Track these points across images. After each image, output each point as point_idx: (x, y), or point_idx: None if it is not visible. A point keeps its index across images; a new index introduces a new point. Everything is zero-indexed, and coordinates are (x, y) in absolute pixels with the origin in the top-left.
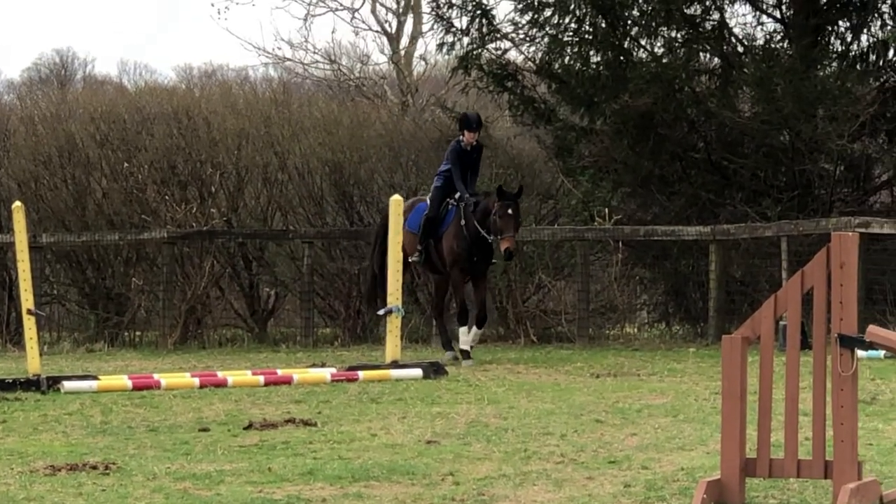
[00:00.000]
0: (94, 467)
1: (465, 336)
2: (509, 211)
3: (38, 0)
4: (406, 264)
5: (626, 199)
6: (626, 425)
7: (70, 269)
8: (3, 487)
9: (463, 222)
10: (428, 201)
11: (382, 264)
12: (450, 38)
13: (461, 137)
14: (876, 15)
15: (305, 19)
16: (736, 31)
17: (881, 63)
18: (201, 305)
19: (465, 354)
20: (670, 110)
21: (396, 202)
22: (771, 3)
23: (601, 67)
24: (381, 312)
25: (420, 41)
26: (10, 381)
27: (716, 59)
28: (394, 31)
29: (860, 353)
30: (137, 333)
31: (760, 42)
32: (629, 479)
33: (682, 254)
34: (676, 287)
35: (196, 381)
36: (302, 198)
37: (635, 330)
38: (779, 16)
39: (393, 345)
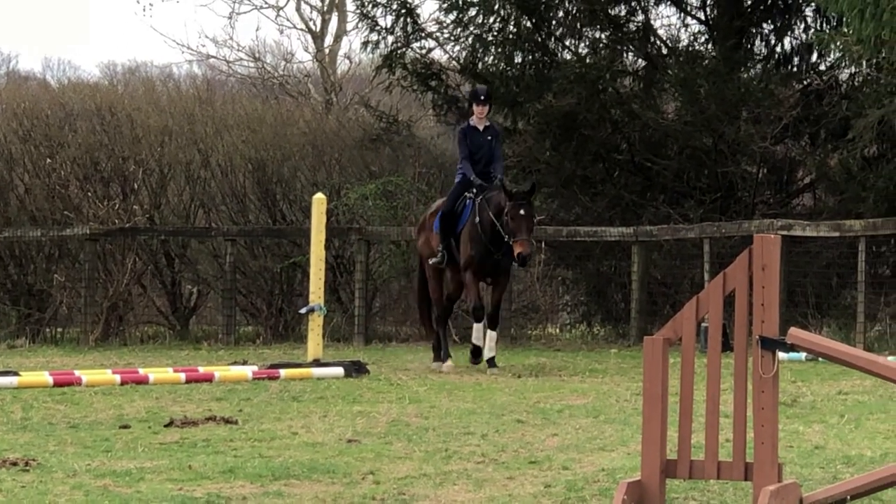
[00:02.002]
0: (14, 464)
1: (478, 332)
2: (521, 211)
3: None
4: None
5: (549, 199)
6: (548, 426)
7: None
8: None
9: (477, 220)
10: None
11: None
12: (374, 37)
13: (471, 118)
14: (799, 18)
15: (230, 17)
16: (660, 32)
17: (804, 66)
18: (123, 302)
19: (477, 351)
20: (594, 111)
21: (319, 200)
22: (695, 4)
23: (525, 67)
24: (302, 311)
25: (344, 39)
26: None
27: (640, 61)
28: (318, 29)
29: (781, 355)
30: (59, 330)
31: (684, 43)
32: (550, 480)
33: (605, 255)
34: (598, 288)
35: (117, 378)
36: (225, 195)
37: (557, 330)
38: (703, 17)
39: (315, 343)
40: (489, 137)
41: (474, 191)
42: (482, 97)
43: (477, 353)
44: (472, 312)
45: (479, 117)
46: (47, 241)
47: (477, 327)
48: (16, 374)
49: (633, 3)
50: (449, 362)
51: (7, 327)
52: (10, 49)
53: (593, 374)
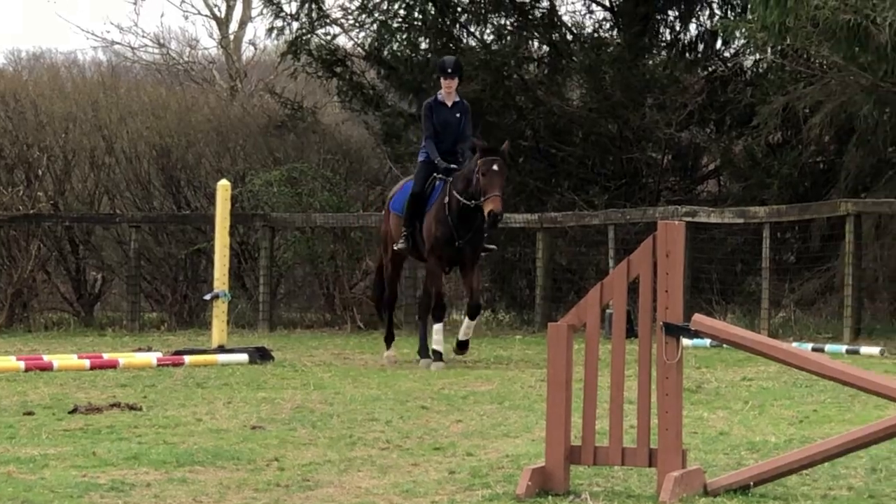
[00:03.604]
0: None
1: (439, 335)
2: (494, 167)
3: None
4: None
5: None
6: (452, 412)
7: None
8: None
9: (447, 200)
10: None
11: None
12: (279, 23)
13: (439, 92)
14: (704, 4)
15: (135, 2)
16: (565, 18)
17: (709, 52)
18: (27, 289)
19: (437, 355)
20: (499, 97)
21: (224, 187)
22: None
23: (430, 54)
24: (207, 297)
25: (249, 26)
26: None
27: (545, 47)
28: (223, 15)
29: (685, 341)
30: None
31: (589, 30)
32: (454, 466)
33: (509, 241)
34: (503, 274)
35: (21, 364)
36: (129, 182)
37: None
38: (608, 4)
39: (219, 330)
40: (458, 114)
41: (443, 168)
42: (449, 70)
43: (438, 356)
44: (432, 311)
45: (447, 91)
46: None
47: (437, 329)
48: None
49: None
50: (391, 351)
51: None
52: None
53: (498, 360)
